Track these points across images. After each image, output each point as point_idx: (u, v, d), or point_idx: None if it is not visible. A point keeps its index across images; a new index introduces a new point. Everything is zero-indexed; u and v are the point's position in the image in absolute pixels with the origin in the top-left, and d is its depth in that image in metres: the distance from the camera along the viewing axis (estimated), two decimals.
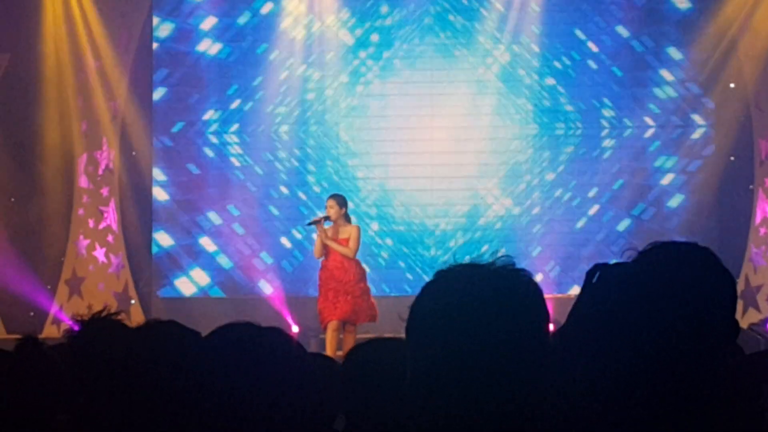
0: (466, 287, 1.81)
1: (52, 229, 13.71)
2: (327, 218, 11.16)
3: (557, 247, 13.73)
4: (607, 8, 13.85)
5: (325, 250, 11.18)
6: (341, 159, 14.00)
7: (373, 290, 11.47)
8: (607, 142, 13.86)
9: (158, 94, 14.06)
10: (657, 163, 13.83)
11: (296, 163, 14.01)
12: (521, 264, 1.86)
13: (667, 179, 13.82)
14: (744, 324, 11.52)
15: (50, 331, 12.93)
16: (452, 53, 13.97)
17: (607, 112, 13.87)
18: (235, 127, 14.03)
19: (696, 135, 13.80)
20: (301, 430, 2.35)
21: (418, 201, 13.92)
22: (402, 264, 13.87)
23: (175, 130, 14.03)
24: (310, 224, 11.51)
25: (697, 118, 13.81)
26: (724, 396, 1.96)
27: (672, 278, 1.98)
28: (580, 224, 13.83)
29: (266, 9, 14.03)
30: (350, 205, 11.57)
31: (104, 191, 13.82)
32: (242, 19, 14.05)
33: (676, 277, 1.98)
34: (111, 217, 13.82)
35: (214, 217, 13.94)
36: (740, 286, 12.82)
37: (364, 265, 11.45)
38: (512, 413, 1.77)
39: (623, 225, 13.79)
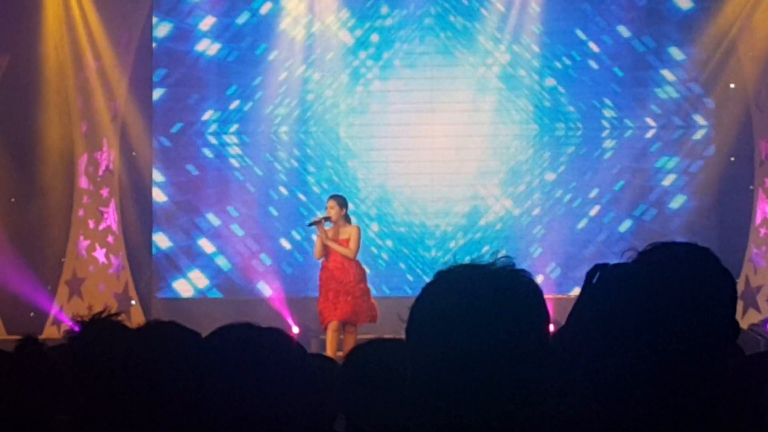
0: (467, 288, 1.81)
1: (52, 230, 13.70)
2: (327, 219, 11.16)
3: (558, 248, 13.71)
4: (608, 8, 13.83)
5: (326, 250, 11.18)
6: (341, 159, 13.97)
7: (373, 291, 11.45)
8: (608, 143, 13.84)
9: (157, 94, 14.02)
10: (658, 164, 13.82)
11: (296, 164, 13.98)
12: (522, 265, 1.86)
13: (668, 180, 13.80)
14: (744, 324, 11.51)
15: (50, 332, 12.92)
16: (452, 54, 13.96)
17: (608, 113, 13.86)
18: (234, 127, 14.00)
19: (697, 135, 13.78)
20: (302, 431, 2.35)
21: (419, 202, 13.90)
22: (402, 265, 13.85)
23: (173, 130, 14.00)
24: (310, 225, 11.49)
25: (698, 119, 13.79)
26: (725, 396, 1.96)
27: (672, 279, 1.98)
28: (580, 225, 13.81)
29: (265, 9, 14.00)
30: (350, 205, 11.56)
31: (104, 192, 13.80)
32: (241, 19, 14.02)
33: (676, 277, 1.98)
34: (111, 218, 13.81)
35: (212, 218, 13.90)
36: (740, 287, 12.81)
37: (364, 266, 11.44)
38: (512, 414, 1.77)
39: (624, 226, 13.77)
